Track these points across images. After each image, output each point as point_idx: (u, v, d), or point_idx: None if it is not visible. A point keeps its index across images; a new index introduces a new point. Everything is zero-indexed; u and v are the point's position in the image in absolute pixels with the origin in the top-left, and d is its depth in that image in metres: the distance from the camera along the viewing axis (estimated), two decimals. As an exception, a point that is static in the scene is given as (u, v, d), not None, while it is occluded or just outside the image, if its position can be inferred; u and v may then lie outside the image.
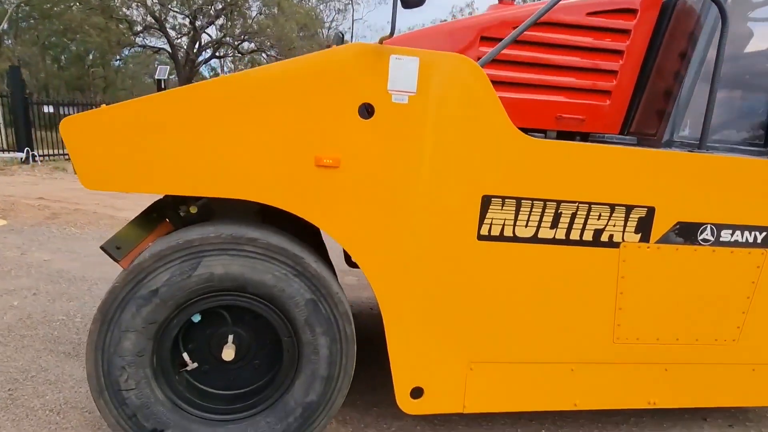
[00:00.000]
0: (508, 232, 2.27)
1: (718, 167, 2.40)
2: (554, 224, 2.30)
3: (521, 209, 2.26)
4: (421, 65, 2.06)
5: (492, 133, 2.18)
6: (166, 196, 2.34)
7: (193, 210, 2.29)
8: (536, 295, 2.36)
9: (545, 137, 2.30)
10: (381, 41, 2.05)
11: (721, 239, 2.45)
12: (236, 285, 2.11)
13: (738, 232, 2.46)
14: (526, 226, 2.28)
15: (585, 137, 2.83)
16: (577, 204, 2.29)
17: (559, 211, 2.29)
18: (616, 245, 2.37)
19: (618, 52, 2.79)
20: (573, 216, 2.30)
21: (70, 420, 2.55)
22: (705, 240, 2.44)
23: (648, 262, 2.41)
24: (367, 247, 2.18)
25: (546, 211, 2.28)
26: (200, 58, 29.87)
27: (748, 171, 2.43)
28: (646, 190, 2.34)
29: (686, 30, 2.61)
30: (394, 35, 2.06)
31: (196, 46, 28.73)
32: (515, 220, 2.26)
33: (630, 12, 2.78)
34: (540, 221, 2.29)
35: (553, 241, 2.32)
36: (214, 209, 2.36)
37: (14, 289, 4.19)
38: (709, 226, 2.43)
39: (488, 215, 2.24)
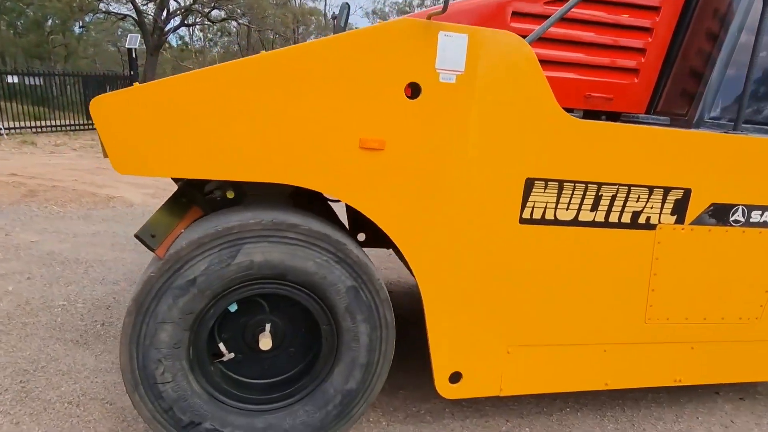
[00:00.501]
0: (549, 216, 2.24)
1: (752, 148, 2.40)
2: (594, 207, 2.27)
3: (563, 192, 2.22)
4: (469, 43, 1.98)
5: (539, 113, 2.12)
6: (194, 180, 2.22)
7: (231, 195, 2.18)
8: (573, 278, 2.35)
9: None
10: (429, 17, 1.95)
11: (751, 220, 2.47)
12: (276, 273, 2.03)
13: (767, 213, 2.49)
14: (567, 209, 2.25)
15: (612, 116, 2.81)
16: (617, 186, 2.27)
17: (600, 193, 2.26)
18: (653, 227, 2.36)
19: (647, 30, 2.75)
20: (613, 198, 2.28)
21: (91, 412, 2.45)
22: (736, 221, 2.45)
23: (682, 243, 2.42)
24: (410, 231, 2.12)
25: (587, 193, 2.25)
26: (168, 26, 28.72)
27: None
28: (684, 171, 2.33)
29: (718, 9, 2.57)
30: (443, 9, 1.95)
31: (164, 13, 27.57)
32: (557, 203, 2.23)
33: (652, 9, 2.72)
34: (581, 204, 2.26)
35: (593, 224, 2.30)
36: (245, 192, 2.25)
37: (5, 273, 3.99)
38: (740, 207, 2.44)
39: (531, 198, 2.20)
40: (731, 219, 2.45)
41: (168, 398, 2.04)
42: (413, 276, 2.20)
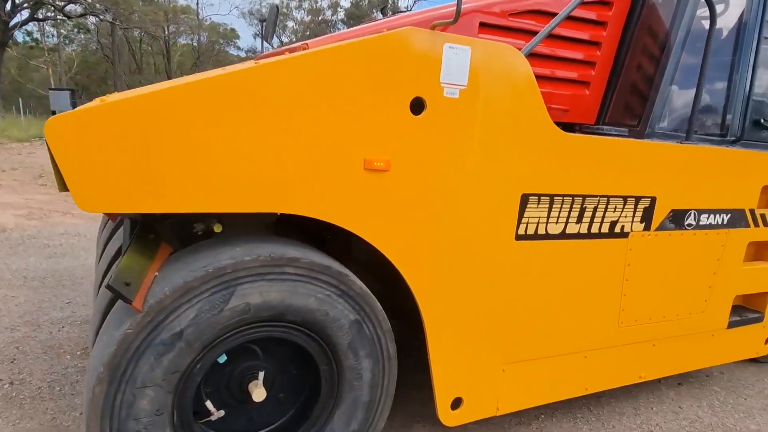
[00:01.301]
0: (541, 230, 2.23)
1: (701, 157, 2.60)
2: (579, 219, 2.31)
3: (553, 206, 2.22)
4: (472, 56, 1.89)
5: (534, 128, 2.09)
6: (164, 214, 1.88)
7: (219, 229, 1.87)
8: (561, 290, 2.36)
9: None
10: (434, 27, 1.83)
11: (700, 223, 2.68)
12: (274, 314, 1.78)
13: (711, 216, 2.71)
14: (557, 222, 2.26)
15: (566, 128, 2.89)
16: (598, 198, 2.32)
17: (584, 205, 2.30)
18: (626, 235, 2.46)
19: (596, 44, 2.87)
20: (594, 210, 2.33)
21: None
22: (689, 225, 2.64)
23: (648, 249, 2.55)
24: (413, 255, 1.98)
25: (573, 206, 2.27)
26: (14, 20, 25.39)
27: (718, 160, 2.67)
28: (651, 181, 2.46)
29: (661, 24, 2.76)
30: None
31: (8, 5, 24.33)
32: (548, 217, 2.23)
33: (606, 4, 2.85)
34: (568, 217, 2.28)
35: (577, 236, 2.33)
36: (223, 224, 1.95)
37: None
38: (692, 212, 2.63)
39: (525, 214, 2.17)
40: (686, 223, 2.63)
41: (150, 477, 1.70)
42: (412, 301, 2.06)
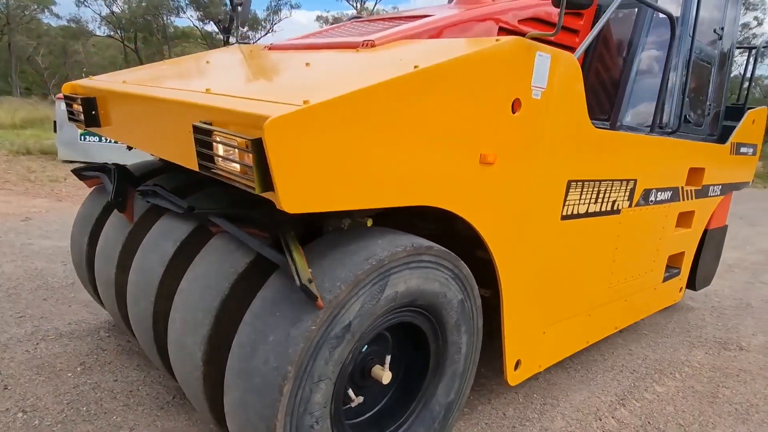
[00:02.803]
0: (575, 211, 2.62)
1: (659, 145, 3.22)
2: (596, 200, 2.75)
3: (584, 190, 2.63)
4: (551, 61, 2.18)
5: (579, 122, 2.46)
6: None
7: (369, 223, 1.90)
8: (584, 260, 2.81)
9: None
10: (530, 37, 2.07)
11: (657, 199, 3.32)
12: (410, 300, 1.91)
13: (662, 193, 3.37)
14: (584, 204, 2.67)
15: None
16: (610, 181, 2.79)
17: (600, 188, 2.75)
18: (619, 212, 2.98)
19: (571, 49, 3.33)
20: (606, 191, 2.79)
21: None
22: (651, 200, 3.26)
23: (630, 221, 3.11)
24: (502, 236, 2.23)
25: (593, 189, 2.71)
26: None
27: (667, 147, 3.33)
28: (634, 166, 3.00)
29: (624, 34, 3.31)
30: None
31: None
32: (579, 200, 2.63)
33: (579, 15, 3.33)
34: (589, 199, 2.71)
35: (595, 214, 2.77)
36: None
37: None
38: (653, 190, 3.26)
39: (568, 198, 2.54)
40: (650, 199, 3.24)
41: (315, 469, 1.74)
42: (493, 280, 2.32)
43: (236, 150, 1.53)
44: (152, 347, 2.31)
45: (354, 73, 1.94)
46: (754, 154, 4.53)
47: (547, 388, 3.09)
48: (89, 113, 2.67)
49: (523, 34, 2.92)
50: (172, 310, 2.10)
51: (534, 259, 2.44)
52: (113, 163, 2.88)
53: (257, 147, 1.41)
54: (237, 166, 1.55)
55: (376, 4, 41.85)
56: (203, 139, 1.66)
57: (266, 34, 35.64)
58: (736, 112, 4.34)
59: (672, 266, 3.97)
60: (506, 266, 2.29)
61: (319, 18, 42.95)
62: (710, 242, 4.45)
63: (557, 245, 2.57)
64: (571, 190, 2.54)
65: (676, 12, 3.20)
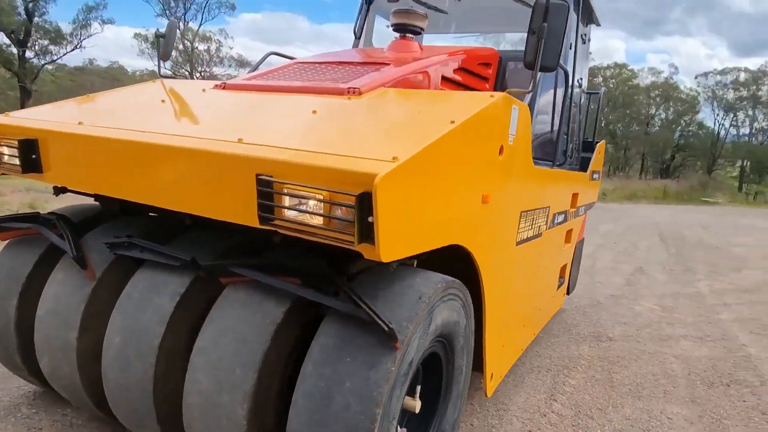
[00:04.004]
0: (522, 237, 3.04)
1: (558, 176, 3.85)
2: (531, 226, 3.21)
3: (527, 218, 3.06)
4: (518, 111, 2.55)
5: (528, 161, 2.88)
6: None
7: (415, 264, 1.98)
8: (526, 277, 3.23)
9: None
10: (511, 93, 2.41)
11: (557, 221, 3.95)
12: (441, 332, 2.08)
13: (560, 216, 4.01)
14: (526, 230, 3.10)
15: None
16: (539, 209, 3.28)
17: (534, 216, 3.21)
18: (541, 234, 3.50)
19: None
20: (536, 218, 3.28)
21: None
22: (556, 223, 3.87)
23: (546, 241, 3.65)
24: (489, 263, 2.51)
25: (531, 217, 3.16)
26: None
27: (561, 177, 3.96)
28: (549, 195, 3.55)
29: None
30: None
31: None
32: (525, 227, 3.05)
33: (487, 65, 3.84)
34: (529, 225, 3.15)
35: (531, 238, 3.23)
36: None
37: None
38: (556, 214, 3.87)
39: (520, 226, 2.94)
40: (555, 222, 3.85)
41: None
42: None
43: (321, 203, 1.57)
44: (150, 414, 2.10)
45: (386, 124, 2.08)
46: (599, 178, 5.56)
47: (494, 397, 3.45)
48: (28, 158, 2.34)
49: (457, 82, 3.32)
50: (189, 371, 1.96)
51: (503, 281, 2.77)
52: (50, 213, 2.53)
53: (362, 202, 1.49)
54: (320, 220, 1.59)
55: (200, 25, 40.44)
56: (266, 191, 1.66)
57: (73, 49, 31.81)
58: (587, 145, 5.30)
59: (561, 276, 4.69)
60: (490, 290, 2.58)
61: (137, 35, 39.94)
62: (576, 253, 5.34)
63: (514, 267, 2.95)
64: (521, 220, 2.94)
65: (568, 67, 3.87)
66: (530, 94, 2.90)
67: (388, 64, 2.91)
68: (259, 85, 2.76)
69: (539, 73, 2.42)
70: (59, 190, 2.68)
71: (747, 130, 45.61)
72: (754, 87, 43.17)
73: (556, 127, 3.80)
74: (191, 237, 2.39)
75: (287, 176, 1.64)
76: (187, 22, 39.78)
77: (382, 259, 1.56)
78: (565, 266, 4.73)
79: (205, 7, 40.37)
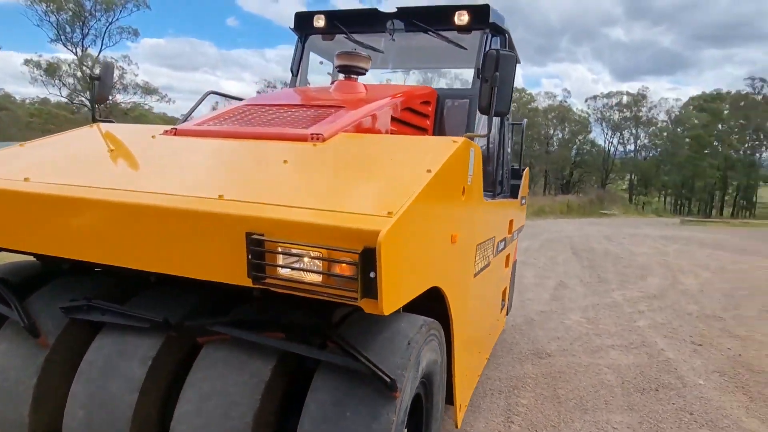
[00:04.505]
0: (477, 268, 3.17)
1: (499, 206, 4.06)
2: (483, 256, 3.36)
3: (480, 250, 3.21)
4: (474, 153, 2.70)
5: (480, 197, 3.02)
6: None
7: (401, 309, 1.98)
8: (482, 307, 3.36)
9: None
10: (470, 138, 2.54)
11: (500, 248, 4.15)
12: (425, 372, 2.12)
13: (502, 243, 4.23)
14: (480, 261, 3.25)
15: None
16: (489, 240, 3.44)
17: (485, 247, 3.37)
18: (489, 264, 3.66)
19: (424, 129, 3.99)
20: (486, 249, 3.44)
21: None
22: (499, 250, 4.07)
23: (493, 269, 3.83)
24: (456, 299, 2.60)
25: (483, 248, 3.31)
26: None
27: (501, 207, 4.20)
28: (494, 225, 3.74)
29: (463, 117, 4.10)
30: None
31: None
32: (479, 258, 3.19)
33: (427, 103, 4.01)
34: (482, 256, 3.30)
35: (483, 268, 3.38)
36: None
37: None
38: (499, 242, 4.07)
39: (476, 258, 3.07)
40: (499, 249, 4.05)
41: None
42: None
43: (319, 261, 1.58)
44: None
45: (363, 173, 2.12)
46: (525, 203, 5.92)
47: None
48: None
49: (404, 122, 3.44)
50: (171, 439, 1.86)
51: (465, 313, 2.87)
52: (-12, 276, 2.29)
53: (365, 258, 1.51)
54: (318, 277, 1.59)
55: (100, 51, 38.37)
56: (257, 250, 1.63)
57: (-46, 77, 28.96)
58: (514, 173, 5.64)
59: (503, 299, 4.91)
60: (458, 324, 2.66)
61: (28, 62, 37.13)
62: (512, 275, 5.61)
63: (472, 298, 3.06)
64: (477, 252, 3.08)
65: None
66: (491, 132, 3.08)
67: (342, 107, 2.96)
68: (215, 131, 2.70)
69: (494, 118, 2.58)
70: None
71: (632, 147, 50.48)
72: (635, 108, 48.05)
73: (495, 161, 4.03)
74: (154, 294, 2.27)
75: (280, 234, 1.63)
76: (86, 48, 37.61)
77: (384, 313, 1.59)
78: (505, 289, 4.96)
79: (105, 32, 38.41)
